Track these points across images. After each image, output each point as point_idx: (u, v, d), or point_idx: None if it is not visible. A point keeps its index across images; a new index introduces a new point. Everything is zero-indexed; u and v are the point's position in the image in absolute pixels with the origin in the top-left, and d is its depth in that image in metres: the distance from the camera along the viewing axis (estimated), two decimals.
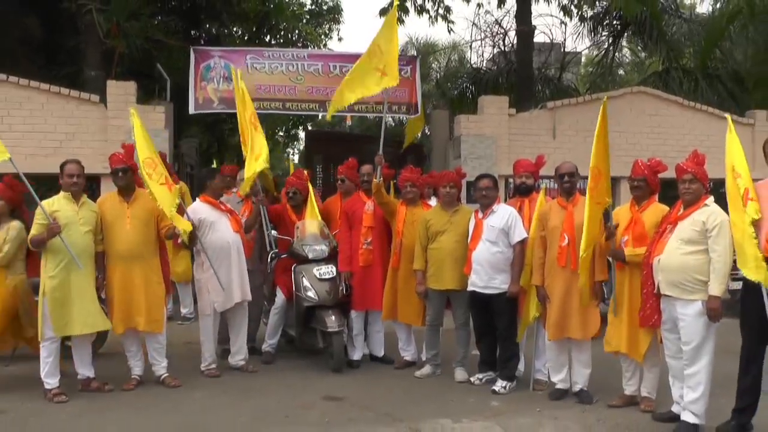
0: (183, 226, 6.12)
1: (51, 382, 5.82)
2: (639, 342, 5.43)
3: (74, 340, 6.01)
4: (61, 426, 5.21)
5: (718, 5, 16.67)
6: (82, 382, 6.08)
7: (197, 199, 6.82)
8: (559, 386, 5.98)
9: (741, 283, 5.03)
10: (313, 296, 6.72)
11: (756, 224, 4.74)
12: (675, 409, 5.26)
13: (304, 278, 6.80)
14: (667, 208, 5.40)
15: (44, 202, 5.76)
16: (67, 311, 5.77)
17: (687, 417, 5.05)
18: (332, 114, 7.81)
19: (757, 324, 4.84)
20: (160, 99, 11.24)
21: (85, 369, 6.08)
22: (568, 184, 5.93)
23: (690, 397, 5.03)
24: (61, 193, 5.94)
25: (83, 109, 9.98)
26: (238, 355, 6.80)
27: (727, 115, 5.76)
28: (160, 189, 6.05)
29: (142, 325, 6.10)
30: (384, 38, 7.11)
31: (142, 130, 6.21)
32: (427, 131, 14.32)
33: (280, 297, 7.19)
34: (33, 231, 5.74)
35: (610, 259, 5.70)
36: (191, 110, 10.66)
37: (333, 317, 6.64)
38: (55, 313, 5.74)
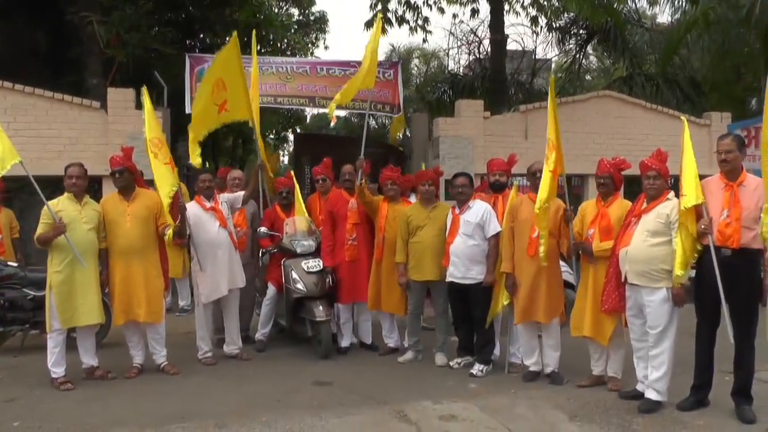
0: (169, 219, 6.20)
1: (58, 371, 5.79)
2: (604, 327, 5.48)
3: (78, 331, 5.98)
4: (67, 411, 5.18)
5: (676, 16, 16.77)
6: (87, 371, 6.05)
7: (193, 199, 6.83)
8: (532, 369, 6.02)
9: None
10: (301, 288, 6.72)
11: (699, 212, 4.85)
12: (639, 387, 5.31)
13: (293, 271, 6.80)
14: (630, 203, 5.45)
15: (49, 203, 5.73)
16: (72, 304, 5.76)
17: (651, 394, 5.12)
18: (333, 110, 7.71)
19: (710, 307, 4.92)
20: (157, 105, 11.16)
21: (89, 358, 6.06)
22: (539, 181, 5.96)
23: (654, 376, 5.10)
24: (65, 193, 5.92)
25: (85, 115, 9.95)
26: (232, 344, 6.78)
27: (683, 117, 5.81)
28: (164, 168, 6.17)
29: (142, 317, 6.07)
30: (371, 45, 7.34)
31: (151, 112, 6.33)
32: (407, 133, 14.33)
33: (271, 289, 7.19)
34: (39, 230, 5.71)
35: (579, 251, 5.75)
36: (188, 110, 10.55)
37: (320, 307, 6.64)
38: (62, 306, 5.72)
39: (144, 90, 6.43)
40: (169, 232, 6.14)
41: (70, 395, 5.61)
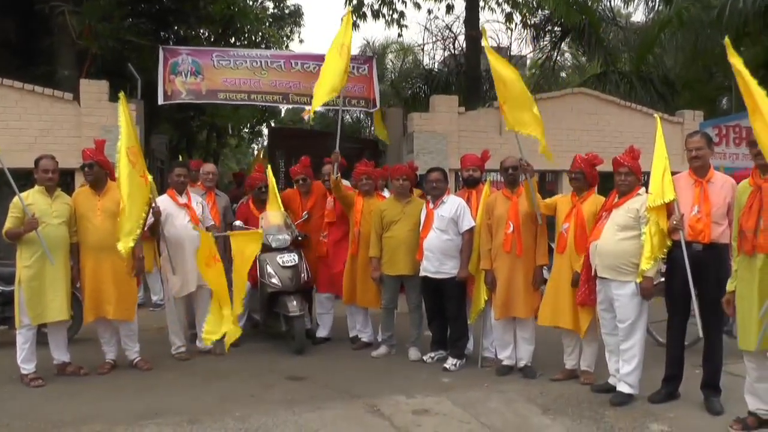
0: (124, 244, 5.73)
1: (27, 367, 5.71)
2: (581, 319, 5.56)
3: (49, 326, 5.90)
4: (38, 408, 5.12)
5: (651, 15, 16.96)
6: (58, 367, 5.98)
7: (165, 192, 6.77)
8: (505, 363, 6.07)
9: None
10: (276, 283, 6.71)
11: (670, 209, 4.94)
12: (611, 381, 5.39)
13: (267, 266, 6.79)
14: (604, 199, 5.52)
15: (20, 196, 5.62)
16: (42, 300, 5.68)
17: (622, 387, 5.20)
18: (314, 110, 7.53)
19: (680, 301, 5.01)
20: (131, 97, 11.06)
21: (60, 354, 5.99)
22: (512, 177, 6.01)
23: (625, 369, 5.18)
24: (36, 186, 5.82)
25: (57, 106, 9.81)
26: None
27: (656, 115, 5.91)
28: (140, 181, 5.92)
29: (111, 314, 5.98)
30: (345, 40, 7.12)
31: (126, 119, 5.98)
32: None
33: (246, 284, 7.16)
34: (8, 224, 5.61)
35: (552, 245, 5.81)
36: (160, 101, 10.51)
37: (295, 302, 6.64)
38: (31, 302, 5.64)
39: (121, 96, 6.08)
40: (124, 252, 5.86)
41: (41, 391, 5.54)
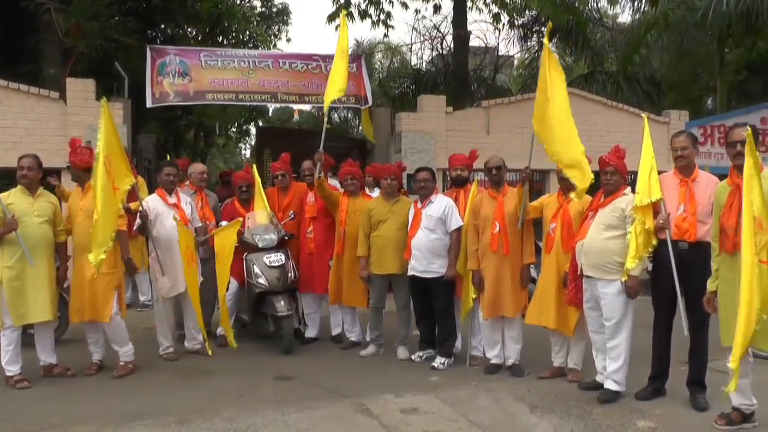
0: (95, 255, 5.61)
1: (12, 369, 5.66)
2: (568, 318, 5.60)
3: (36, 327, 5.86)
4: (24, 410, 5.08)
5: (637, 16, 17.08)
6: (45, 368, 5.93)
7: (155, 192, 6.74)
8: (493, 361, 6.10)
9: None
10: (263, 282, 6.70)
11: (656, 208, 5.00)
12: (599, 378, 5.44)
13: (255, 266, 6.77)
14: (591, 198, 5.56)
15: (0, 196, 5.58)
16: (24, 300, 5.63)
17: (609, 385, 5.25)
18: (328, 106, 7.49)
19: (666, 299, 5.06)
20: (118, 96, 10.98)
21: (47, 356, 5.93)
22: (497, 177, 6.03)
23: (612, 367, 5.23)
24: (18, 186, 5.77)
25: (43, 105, 9.71)
26: (193, 339, 6.74)
27: (644, 115, 5.95)
28: (112, 192, 5.72)
29: (87, 315, 5.89)
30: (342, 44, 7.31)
31: (108, 125, 5.74)
32: None
33: (233, 284, 7.11)
34: None
35: (540, 244, 5.85)
36: (148, 104, 10.44)
37: (282, 302, 6.63)
38: (14, 303, 5.59)
39: (104, 102, 5.88)
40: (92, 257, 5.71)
41: (27, 393, 5.50)
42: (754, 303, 4.01)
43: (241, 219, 6.90)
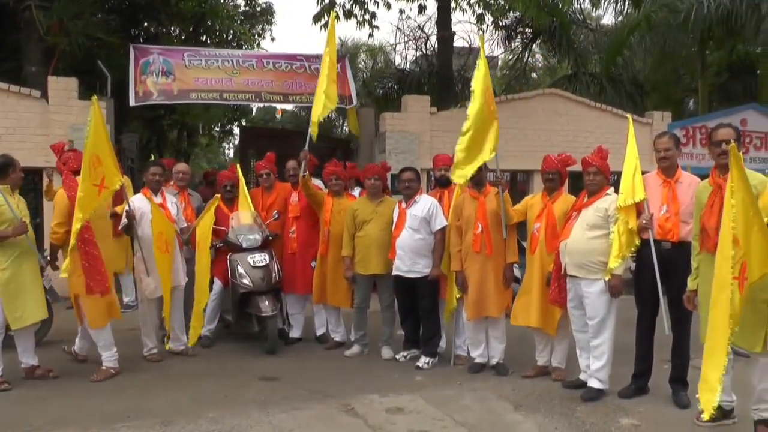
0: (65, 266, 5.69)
1: None
2: (552, 317, 5.64)
3: (15, 330, 5.76)
4: (5, 412, 5.03)
5: (620, 18, 17.21)
6: (26, 370, 5.87)
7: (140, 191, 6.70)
8: (477, 361, 6.12)
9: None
10: (247, 283, 6.68)
11: (640, 208, 5.04)
12: (582, 377, 5.49)
13: (239, 266, 6.75)
14: (574, 198, 5.61)
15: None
16: (22, 302, 5.59)
17: (593, 383, 5.30)
18: (315, 132, 7.39)
19: (649, 299, 5.12)
20: (101, 95, 10.93)
21: (28, 357, 5.87)
22: (477, 177, 6.04)
23: (595, 365, 5.27)
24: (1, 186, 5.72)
25: (24, 104, 9.62)
26: (177, 340, 6.70)
27: (628, 116, 6.01)
28: (92, 189, 5.69)
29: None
30: (329, 53, 7.19)
31: (97, 124, 5.73)
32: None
33: (217, 284, 7.12)
34: None
35: (524, 243, 5.88)
36: (132, 103, 10.36)
37: (267, 302, 6.62)
38: (10, 306, 5.54)
39: (94, 100, 5.83)
40: (63, 266, 5.78)
41: (8, 395, 5.44)
42: (723, 324, 3.83)
43: (218, 196, 6.97)
